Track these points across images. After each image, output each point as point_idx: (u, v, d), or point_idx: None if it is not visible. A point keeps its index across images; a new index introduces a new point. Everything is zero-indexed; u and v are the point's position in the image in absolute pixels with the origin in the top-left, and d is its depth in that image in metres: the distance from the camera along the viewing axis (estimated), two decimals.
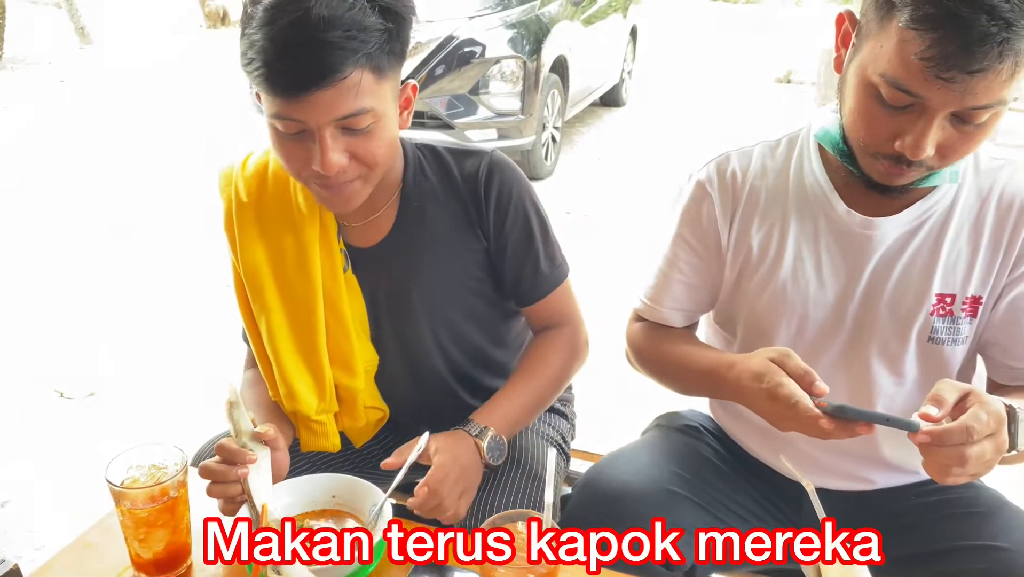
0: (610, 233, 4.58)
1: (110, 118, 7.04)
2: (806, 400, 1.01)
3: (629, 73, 8.14)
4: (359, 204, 1.20)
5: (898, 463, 1.28)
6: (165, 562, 1.11)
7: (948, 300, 1.18)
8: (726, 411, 1.40)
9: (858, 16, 1.08)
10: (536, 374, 1.34)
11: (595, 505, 1.21)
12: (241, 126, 6.26)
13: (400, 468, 1.14)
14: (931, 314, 1.18)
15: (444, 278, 1.32)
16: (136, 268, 4.14)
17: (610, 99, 7.77)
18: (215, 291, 3.86)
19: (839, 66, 1.11)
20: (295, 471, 1.27)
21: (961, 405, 0.99)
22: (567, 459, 1.54)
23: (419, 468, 1.19)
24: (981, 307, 1.18)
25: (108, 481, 1.07)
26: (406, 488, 1.58)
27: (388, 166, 1.21)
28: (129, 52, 9.93)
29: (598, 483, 1.23)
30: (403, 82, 1.21)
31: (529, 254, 1.31)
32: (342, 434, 1.38)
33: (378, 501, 1.12)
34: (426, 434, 1.19)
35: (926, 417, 0.98)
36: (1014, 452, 1.05)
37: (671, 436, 1.40)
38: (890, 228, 1.18)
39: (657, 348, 1.36)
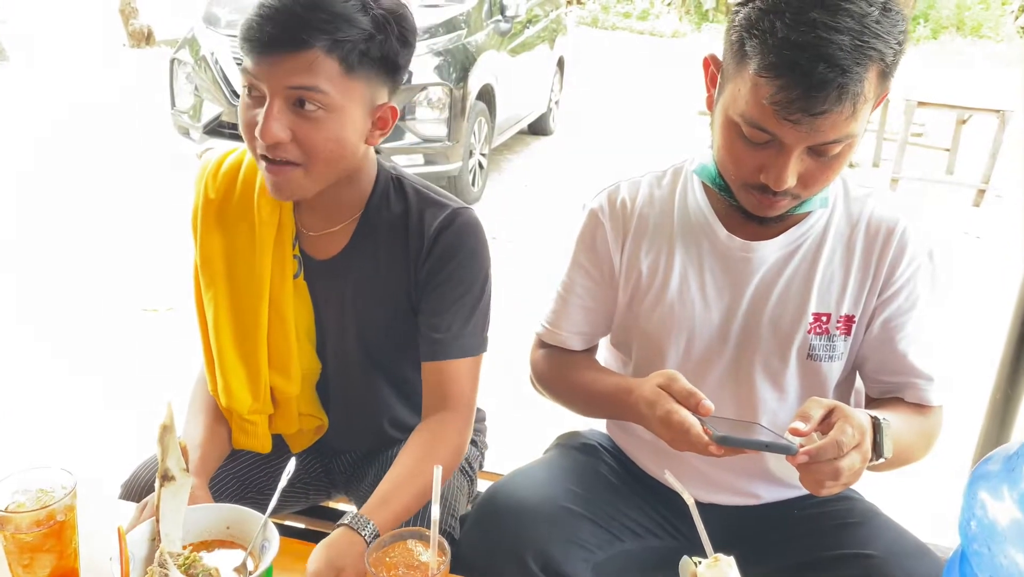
0: (534, 258, 4.64)
1: (24, 133, 6.82)
2: (696, 427, 1.08)
3: (556, 103, 8.28)
4: (299, 196, 1.23)
5: (782, 477, 1.35)
6: None
7: (824, 319, 1.26)
8: (622, 430, 1.45)
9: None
10: (423, 472, 1.20)
11: (492, 522, 1.24)
12: (160, 149, 6.15)
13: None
14: (808, 332, 1.26)
15: (382, 306, 1.35)
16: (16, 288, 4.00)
17: (538, 127, 7.89)
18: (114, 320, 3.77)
19: (710, 105, 1.19)
20: (230, 467, 1.37)
21: (827, 421, 1.06)
22: (471, 481, 1.56)
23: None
24: (855, 325, 1.26)
25: None
26: (310, 512, 1.59)
27: (333, 168, 1.22)
28: (48, 70, 9.65)
29: (496, 501, 1.26)
30: (385, 103, 1.25)
31: (450, 311, 1.30)
32: (280, 438, 1.40)
33: (264, 530, 1.13)
34: (292, 460, 1.18)
35: (795, 432, 1.05)
36: (881, 460, 1.13)
37: (569, 455, 1.44)
38: (768, 251, 1.25)
39: (559, 373, 1.41)
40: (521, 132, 7.48)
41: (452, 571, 1.19)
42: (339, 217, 1.33)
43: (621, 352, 1.42)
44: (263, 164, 1.20)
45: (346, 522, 1.14)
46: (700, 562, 1.02)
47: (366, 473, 1.49)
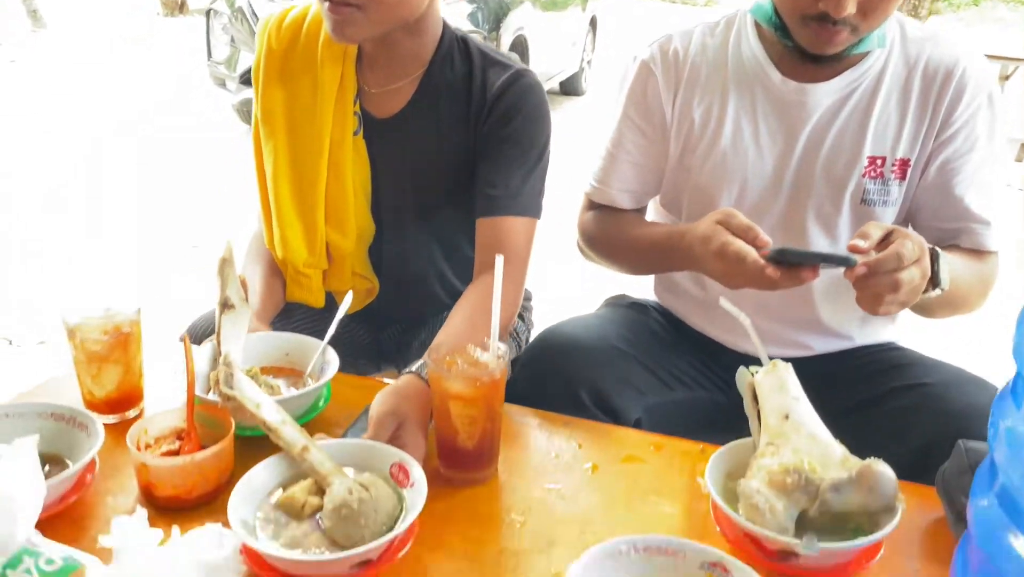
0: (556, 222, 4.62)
1: (60, 99, 6.92)
2: (753, 254, 1.07)
3: (589, 63, 8.24)
4: (359, 37, 1.24)
5: (835, 328, 1.34)
6: (117, 402, 1.11)
7: (879, 162, 1.24)
8: (668, 291, 1.45)
9: None
10: (481, 324, 1.16)
11: (546, 359, 1.25)
12: (191, 112, 6.21)
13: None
14: (863, 176, 1.25)
15: (440, 166, 1.36)
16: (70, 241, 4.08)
17: (570, 87, 7.85)
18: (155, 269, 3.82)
19: None
20: (284, 324, 1.39)
21: (886, 242, 1.05)
22: (519, 350, 1.57)
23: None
24: (910, 169, 1.25)
25: (63, 319, 1.08)
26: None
27: (393, 11, 1.21)
28: (82, 37, 9.76)
29: (549, 340, 1.27)
30: None
31: (509, 168, 1.29)
32: (331, 298, 1.41)
33: (323, 354, 1.16)
34: (350, 293, 1.21)
35: (854, 249, 1.04)
36: (938, 291, 1.12)
37: (619, 311, 1.45)
38: (823, 94, 1.24)
39: (608, 231, 1.41)
40: (552, 92, 7.45)
41: (508, 395, 1.21)
42: (402, 73, 1.33)
43: (671, 212, 1.42)
44: (325, 6, 1.20)
45: (413, 370, 1.13)
46: (757, 371, 1.02)
47: (413, 341, 1.51)
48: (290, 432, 0.96)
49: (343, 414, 1.14)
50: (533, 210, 1.34)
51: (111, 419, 1.11)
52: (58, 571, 0.76)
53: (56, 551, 0.78)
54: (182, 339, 1.03)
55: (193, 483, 0.95)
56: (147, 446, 0.99)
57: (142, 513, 0.86)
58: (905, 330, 1.43)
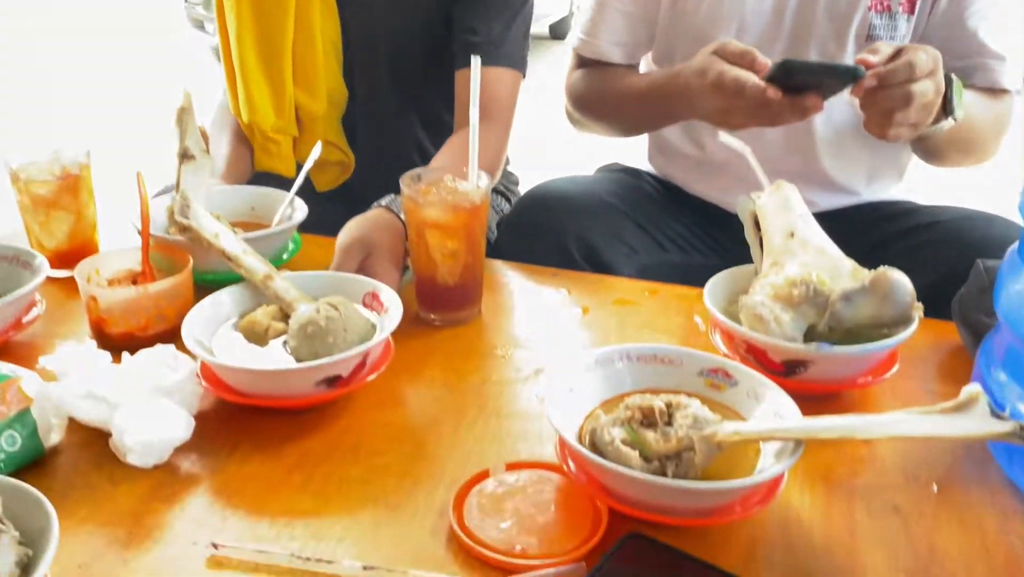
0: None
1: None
2: (752, 79, 0.98)
3: (577, 7, 8.07)
4: None
5: (840, 182, 1.27)
6: (68, 254, 1.03)
7: None
8: (662, 154, 1.37)
9: None
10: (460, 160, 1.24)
11: (533, 213, 1.17)
12: (166, 51, 6.04)
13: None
14: (868, 9, 1.16)
15: (415, 22, 1.27)
16: None
17: (559, 31, 7.68)
18: None
19: None
20: None
21: (896, 59, 0.97)
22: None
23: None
24: (919, 2, 1.16)
25: (5, 162, 1.00)
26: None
27: None
28: None
29: (536, 194, 1.19)
30: None
31: (490, 13, 1.21)
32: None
33: (290, 205, 1.08)
34: (319, 143, 1.12)
35: (863, 63, 0.96)
36: (950, 120, 1.04)
37: (611, 175, 1.37)
38: None
39: (598, 87, 1.31)
40: (542, 36, 7.29)
41: (491, 256, 1.13)
42: None
43: (665, 67, 1.33)
44: None
45: (383, 203, 1.07)
46: (760, 196, 0.94)
47: None
48: (252, 260, 0.88)
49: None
50: (518, 62, 1.26)
51: (63, 273, 1.03)
52: None
53: None
54: (136, 175, 0.95)
55: (148, 319, 0.87)
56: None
57: (91, 343, 0.79)
58: (914, 188, 1.35)
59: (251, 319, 0.83)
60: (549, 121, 1.91)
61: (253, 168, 1.33)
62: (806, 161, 1.25)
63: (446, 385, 0.85)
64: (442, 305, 0.96)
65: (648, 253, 1.23)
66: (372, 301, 0.87)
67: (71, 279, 1.01)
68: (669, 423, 0.66)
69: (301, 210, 1.06)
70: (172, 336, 0.87)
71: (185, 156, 1.03)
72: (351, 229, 1.00)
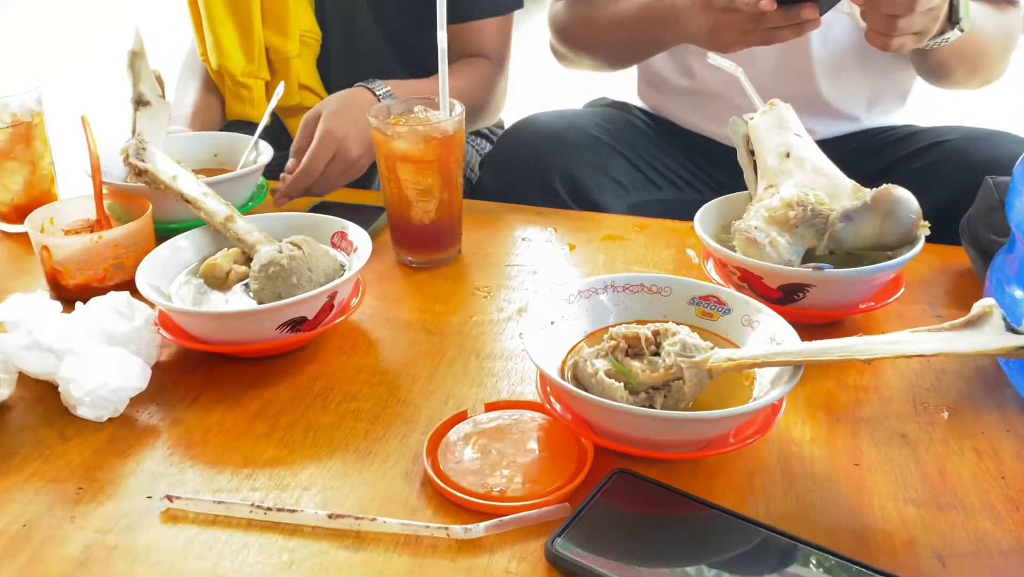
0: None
1: None
2: None
3: None
4: None
5: (839, 107, 1.20)
6: (27, 208, 0.97)
7: None
8: (652, 87, 1.30)
9: None
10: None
11: (515, 149, 1.11)
12: None
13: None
14: None
15: None
16: None
17: None
18: None
19: None
20: None
21: None
22: None
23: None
24: None
25: None
26: None
27: None
28: None
29: (518, 130, 1.13)
30: None
31: None
32: (277, 119, 1.27)
33: (255, 148, 1.02)
34: (282, 84, 1.07)
35: None
36: (955, 32, 0.97)
37: (599, 109, 1.30)
38: None
39: (583, 16, 1.24)
40: None
41: (471, 197, 1.08)
42: None
43: None
44: None
45: (360, 83, 1.05)
46: (751, 117, 0.88)
47: (373, 177, 1.37)
48: (212, 203, 0.82)
49: None
50: (508, 2, 1.20)
51: (18, 228, 0.97)
52: None
53: None
54: (81, 119, 0.89)
55: (106, 269, 0.82)
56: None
57: (42, 293, 0.74)
58: (917, 114, 1.28)
59: (211, 263, 0.78)
60: (532, 57, 1.83)
61: (224, 118, 1.27)
62: (802, 86, 1.18)
63: (424, 327, 0.80)
64: (419, 246, 0.90)
65: (639, 190, 1.17)
66: (341, 241, 0.82)
67: (28, 235, 0.96)
68: (656, 353, 0.61)
69: (266, 153, 1.00)
70: (133, 287, 0.83)
71: (140, 102, 0.97)
72: (323, 121, 0.99)
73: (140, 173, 0.84)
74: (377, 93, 1.06)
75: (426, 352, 0.75)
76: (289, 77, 1.24)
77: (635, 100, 1.35)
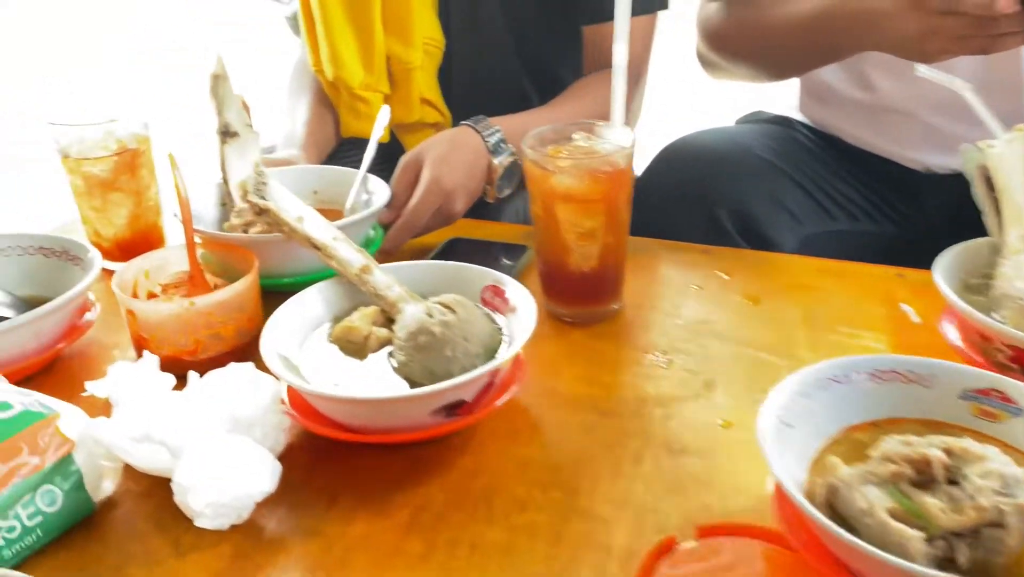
0: None
1: None
2: None
3: None
4: None
5: None
6: (131, 244, 0.88)
7: None
8: (819, 100, 1.13)
9: None
10: (573, 102, 1.07)
11: (672, 174, 0.96)
12: (236, 24, 5.94)
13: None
14: None
15: None
16: None
17: None
18: None
19: None
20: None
21: None
22: None
23: None
24: None
25: (54, 137, 0.84)
26: None
27: None
28: None
29: (675, 151, 0.98)
30: None
31: None
32: (393, 136, 1.16)
33: (364, 185, 0.90)
34: (386, 107, 0.95)
35: None
36: None
37: (758, 125, 1.14)
38: None
39: (744, 20, 1.07)
40: None
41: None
42: None
43: None
44: None
45: (466, 123, 0.93)
46: (992, 144, 0.71)
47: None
48: (345, 249, 0.70)
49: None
50: (653, 2, 1.06)
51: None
52: (14, 419, 0.52)
53: (15, 396, 0.55)
54: (168, 158, 0.77)
55: (200, 340, 0.69)
56: (150, 296, 0.75)
57: (152, 359, 0.63)
58: None
59: (347, 326, 0.65)
60: (672, 65, 1.66)
61: (338, 135, 1.16)
62: (1010, 103, 0.99)
63: (594, 406, 0.65)
64: (576, 298, 0.76)
65: (812, 221, 1.00)
66: (494, 298, 0.68)
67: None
68: (953, 482, 0.45)
69: (381, 192, 0.87)
70: (233, 359, 0.69)
71: (227, 133, 0.85)
72: (419, 146, 0.90)
73: (261, 212, 0.72)
74: (485, 135, 0.93)
75: (602, 441, 0.61)
76: (410, 90, 1.12)
77: (796, 114, 1.18)
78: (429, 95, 1.14)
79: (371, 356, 0.65)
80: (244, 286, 0.70)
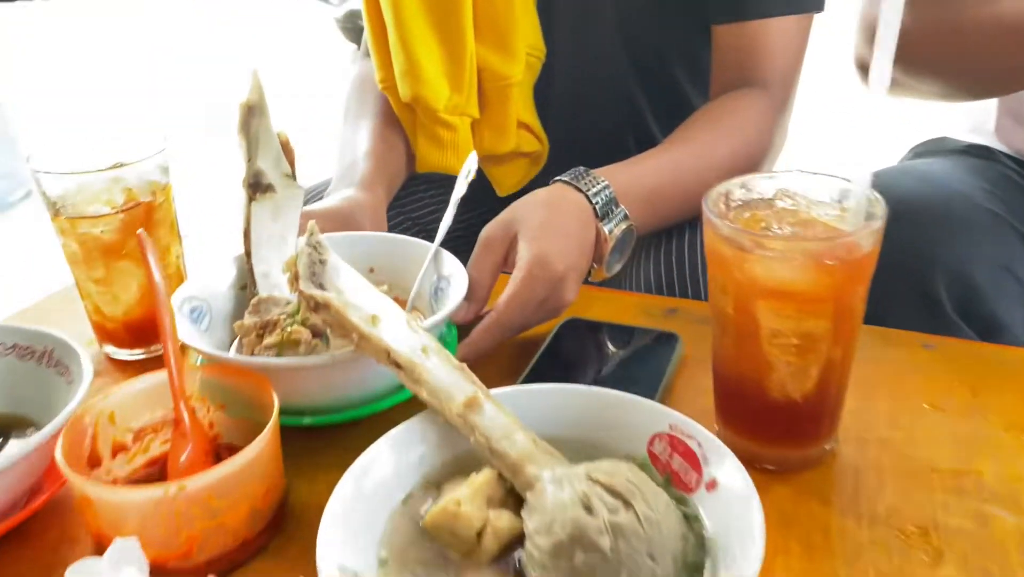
0: None
1: None
2: None
3: None
4: None
5: None
6: (142, 325, 0.66)
7: None
8: (1020, 122, 0.87)
9: None
10: (706, 135, 0.82)
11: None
12: (284, 26, 5.79)
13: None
14: None
15: None
16: None
17: None
18: None
19: None
20: (406, 206, 0.98)
21: None
22: None
23: None
24: None
25: (38, 183, 0.62)
26: None
27: None
28: None
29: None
30: None
31: None
32: (480, 174, 0.91)
33: (436, 264, 0.65)
34: (473, 153, 0.71)
35: None
36: None
37: (950, 157, 0.88)
38: None
39: (937, 21, 0.81)
40: None
41: None
42: None
43: None
44: None
45: (564, 178, 0.70)
46: None
47: None
48: (443, 368, 0.47)
49: (489, 371, 0.52)
50: (807, 1, 0.80)
51: (134, 355, 0.66)
52: None
53: None
54: (138, 237, 0.54)
55: (194, 535, 0.44)
56: (119, 449, 0.50)
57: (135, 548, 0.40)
58: None
59: (448, 511, 0.41)
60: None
61: (407, 169, 0.93)
62: None
63: None
64: (776, 436, 0.52)
65: None
66: (668, 453, 0.44)
67: (153, 360, 0.65)
68: None
69: (457, 276, 0.62)
70: (249, 553, 0.46)
71: (258, 186, 0.63)
72: (506, 212, 0.66)
73: (318, 308, 0.49)
74: (591, 194, 0.68)
75: None
76: (506, 112, 0.88)
77: (992, 141, 0.92)
78: (526, 117, 0.90)
79: (486, 552, 0.41)
80: (261, 447, 0.45)
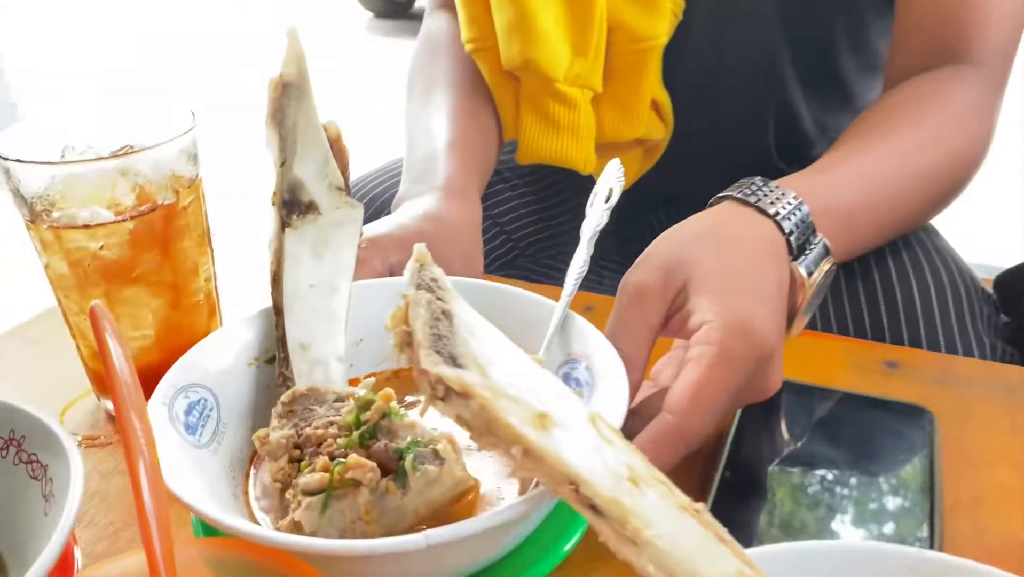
0: None
1: None
2: None
3: None
4: None
5: None
6: (156, 374, 0.47)
7: None
8: None
9: None
10: (909, 128, 0.58)
11: None
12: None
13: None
14: None
15: None
16: None
17: None
18: None
19: None
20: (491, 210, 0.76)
21: None
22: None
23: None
24: None
25: (11, 186, 0.43)
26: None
27: None
28: None
29: None
30: None
31: None
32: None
33: (563, 328, 0.43)
34: (615, 162, 0.51)
35: None
36: None
37: None
38: None
39: None
40: None
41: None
42: None
43: None
44: None
45: (734, 194, 0.48)
46: None
47: None
48: (671, 518, 0.28)
49: None
50: None
51: None
52: None
53: None
54: (90, 312, 0.33)
55: None
56: None
57: None
58: None
59: None
60: None
61: (499, 150, 0.72)
62: None
63: None
64: None
65: None
66: None
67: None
68: None
69: (603, 367, 0.40)
70: None
71: (293, 205, 0.43)
72: (662, 249, 0.44)
73: (447, 397, 0.30)
74: (779, 218, 0.46)
75: None
76: (639, 86, 0.67)
77: None
78: (660, 93, 0.70)
79: None
80: None
